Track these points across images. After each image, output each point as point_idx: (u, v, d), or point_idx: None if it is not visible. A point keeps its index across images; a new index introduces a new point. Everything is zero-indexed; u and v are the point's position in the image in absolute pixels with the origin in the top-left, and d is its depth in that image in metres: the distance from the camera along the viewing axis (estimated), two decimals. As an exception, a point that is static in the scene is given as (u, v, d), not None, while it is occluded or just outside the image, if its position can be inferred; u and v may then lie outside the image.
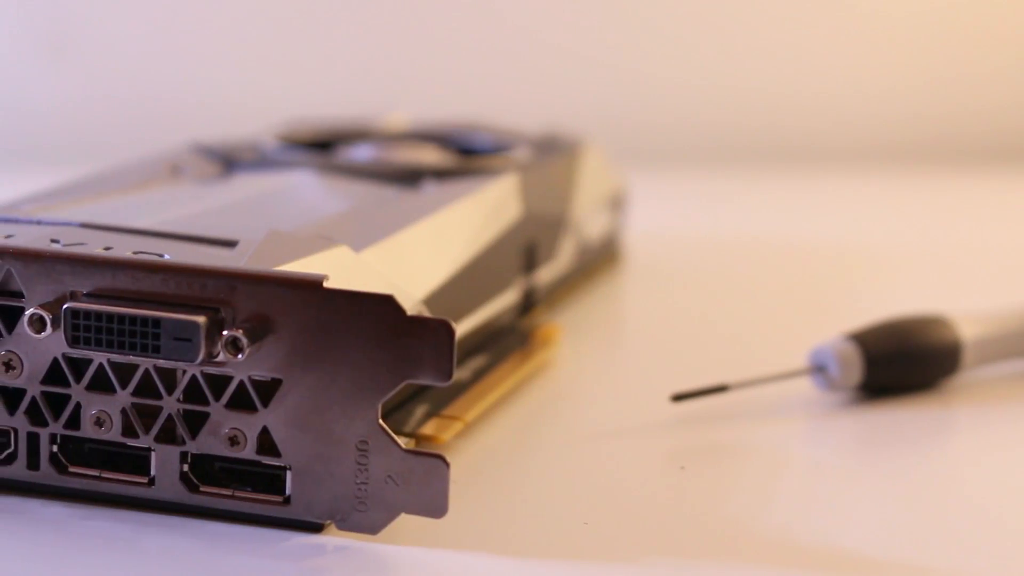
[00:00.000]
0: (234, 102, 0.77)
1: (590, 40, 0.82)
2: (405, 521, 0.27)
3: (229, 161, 0.43)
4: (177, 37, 0.79)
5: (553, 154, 0.47)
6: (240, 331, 0.27)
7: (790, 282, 0.53)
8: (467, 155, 0.46)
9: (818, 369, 0.37)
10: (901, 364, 0.37)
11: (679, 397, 0.35)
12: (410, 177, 0.41)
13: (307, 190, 0.39)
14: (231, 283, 0.27)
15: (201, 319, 0.27)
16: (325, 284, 0.27)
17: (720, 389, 0.36)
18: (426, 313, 0.32)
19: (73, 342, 0.27)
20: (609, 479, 0.32)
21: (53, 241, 0.29)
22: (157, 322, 0.27)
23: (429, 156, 0.44)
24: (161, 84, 0.78)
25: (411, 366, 0.26)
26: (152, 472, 0.28)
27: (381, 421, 0.27)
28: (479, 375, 0.36)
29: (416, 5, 0.81)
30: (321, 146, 0.46)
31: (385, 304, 0.26)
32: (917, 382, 0.38)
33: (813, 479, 0.33)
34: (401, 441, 0.27)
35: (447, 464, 0.27)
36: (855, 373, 0.37)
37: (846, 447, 0.36)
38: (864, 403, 0.37)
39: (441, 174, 0.41)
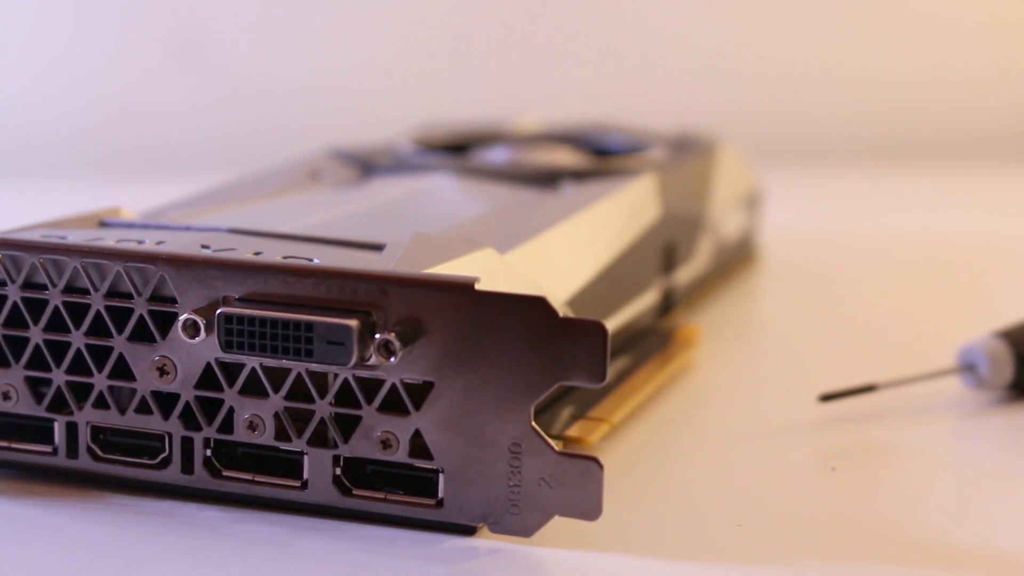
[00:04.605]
0: (366, 107, 0.77)
1: (721, 36, 0.81)
2: (556, 523, 0.27)
3: (367, 166, 0.43)
4: (311, 44, 0.79)
5: (689, 153, 0.47)
6: (392, 334, 0.27)
7: (933, 279, 0.52)
8: (602, 156, 0.45)
9: (967, 368, 0.36)
10: (1053, 362, 0.37)
11: (827, 397, 0.35)
12: (548, 179, 0.41)
13: (447, 193, 0.39)
14: (383, 286, 0.27)
15: (354, 323, 0.27)
16: (477, 286, 0.26)
17: (868, 389, 0.35)
18: (572, 314, 0.32)
19: (227, 347, 0.27)
20: (760, 480, 0.32)
21: (203, 247, 0.29)
22: (310, 326, 0.27)
23: (565, 157, 0.44)
24: (296, 91, 0.79)
25: (564, 368, 0.26)
26: (305, 476, 0.28)
27: (534, 423, 0.27)
28: (622, 376, 0.36)
29: (544, 6, 0.81)
30: (456, 149, 0.46)
31: (537, 306, 0.26)
32: (1069, 380, 0.37)
33: (967, 480, 0.33)
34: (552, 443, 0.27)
35: (601, 466, 0.27)
36: (1006, 372, 0.36)
37: (999, 447, 0.35)
38: (1015, 402, 0.37)
39: (578, 175, 0.41)
